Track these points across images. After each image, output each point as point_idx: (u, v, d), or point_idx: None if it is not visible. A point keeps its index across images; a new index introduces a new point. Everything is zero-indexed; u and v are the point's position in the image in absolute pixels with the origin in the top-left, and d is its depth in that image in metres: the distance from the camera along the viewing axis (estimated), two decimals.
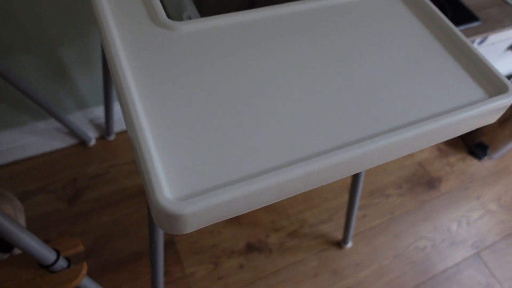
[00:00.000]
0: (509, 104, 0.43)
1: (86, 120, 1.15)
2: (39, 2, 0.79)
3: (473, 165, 1.35)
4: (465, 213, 1.23)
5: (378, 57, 0.45)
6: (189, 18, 0.50)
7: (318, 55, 0.44)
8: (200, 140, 0.35)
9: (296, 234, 1.12)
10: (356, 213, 1.02)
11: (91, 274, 0.97)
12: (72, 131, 1.13)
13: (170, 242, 1.06)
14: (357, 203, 0.99)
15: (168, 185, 0.32)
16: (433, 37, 0.48)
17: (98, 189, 1.12)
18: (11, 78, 0.83)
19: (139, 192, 1.13)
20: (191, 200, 0.31)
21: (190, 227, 0.33)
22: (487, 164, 1.36)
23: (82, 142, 1.19)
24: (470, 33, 0.90)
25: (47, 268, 0.58)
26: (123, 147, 1.21)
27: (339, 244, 1.12)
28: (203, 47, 0.42)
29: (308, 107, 0.39)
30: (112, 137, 1.21)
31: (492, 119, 0.44)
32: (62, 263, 0.59)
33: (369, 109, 0.40)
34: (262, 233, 1.11)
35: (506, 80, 0.43)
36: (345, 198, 1.20)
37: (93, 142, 1.19)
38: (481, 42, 0.94)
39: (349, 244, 1.11)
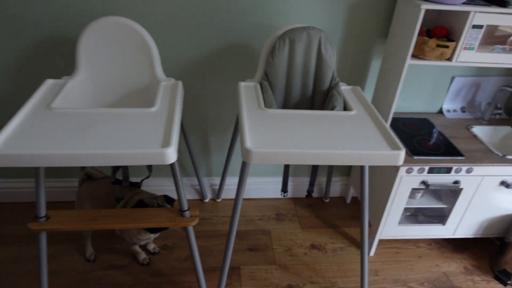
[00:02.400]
0: (400, 156, 0.97)
1: (208, 184, 1.86)
2: (223, 108, 1.62)
3: None
4: None
5: (348, 130, 1.05)
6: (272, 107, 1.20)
7: (324, 128, 1.07)
8: (264, 141, 0.99)
9: None
10: (367, 276, 1.38)
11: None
12: (199, 189, 1.84)
13: (236, 268, 1.55)
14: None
15: (249, 142, 0.96)
16: (373, 125, 1.07)
17: (202, 226, 1.73)
18: (189, 146, 1.61)
19: (224, 234, 1.69)
20: (255, 148, 0.94)
21: (254, 160, 0.94)
22: None
23: (201, 198, 1.88)
24: (456, 162, 1.38)
25: (181, 213, 1.19)
26: (223, 207, 1.85)
27: None
28: (278, 117, 1.10)
29: (317, 139, 1.01)
30: (219, 200, 1.88)
31: (395, 162, 0.98)
32: (188, 214, 1.20)
33: (337, 142, 0.99)
34: (301, 281, 1.51)
35: (401, 144, 0.98)
36: (370, 279, 1.54)
37: (207, 199, 1.88)
38: (469, 171, 1.40)
39: None
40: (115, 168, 1.24)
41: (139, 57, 1.29)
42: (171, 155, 0.93)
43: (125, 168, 1.25)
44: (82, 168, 1.58)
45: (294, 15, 1.41)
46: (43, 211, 1.13)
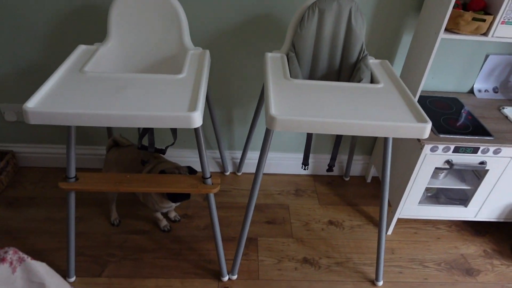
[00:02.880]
0: (427, 128, 0.95)
1: (229, 157, 1.89)
2: (249, 80, 1.62)
3: None
4: None
5: (374, 102, 1.04)
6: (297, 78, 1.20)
7: (350, 99, 1.06)
8: (288, 109, 0.99)
9: (342, 264, 1.50)
10: (383, 253, 1.39)
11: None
12: (220, 162, 1.87)
13: (254, 239, 1.58)
14: (383, 244, 1.37)
15: (274, 110, 0.96)
16: (400, 98, 1.06)
17: (222, 198, 1.77)
18: (213, 118, 1.63)
19: (244, 206, 1.72)
20: (279, 116, 0.94)
21: (278, 127, 0.95)
22: None
23: (222, 171, 1.91)
24: (483, 142, 1.34)
25: (204, 180, 1.22)
26: (244, 181, 1.87)
27: (373, 282, 1.44)
28: (303, 87, 1.10)
29: (342, 109, 1.00)
30: (240, 173, 1.91)
31: (421, 135, 0.96)
32: (210, 181, 1.23)
33: (363, 113, 0.98)
34: (317, 255, 1.53)
35: (427, 117, 0.96)
36: (386, 257, 1.54)
37: (228, 173, 1.90)
38: (496, 152, 1.36)
39: (381, 283, 1.43)
40: (142, 133, 1.27)
41: (169, 26, 1.29)
42: (197, 119, 0.94)
43: (151, 134, 1.28)
44: (110, 135, 1.62)
45: None
46: (73, 172, 1.18)
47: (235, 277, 1.41)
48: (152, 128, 1.31)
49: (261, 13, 1.43)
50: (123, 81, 1.08)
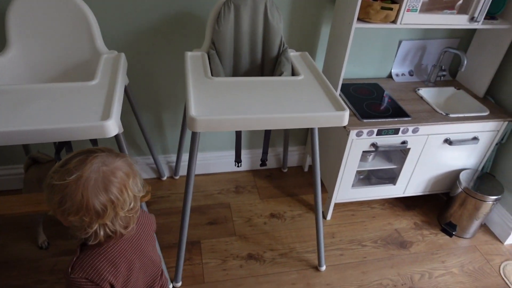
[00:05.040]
0: (345, 116, 0.98)
1: (165, 161, 1.82)
2: (174, 81, 1.56)
3: (444, 239, 1.66)
4: (429, 270, 1.52)
5: (295, 94, 1.05)
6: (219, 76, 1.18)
7: (271, 94, 1.06)
8: (210, 109, 0.97)
9: (285, 255, 1.53)
10: (323, 239, 1.43)
11: None
12: (155, 168, 1.80)
13: (196, 242, 1.55)
14: (322, 234, 1.41)
15: (194, 111, 0.93)
16: (320, 89, 1.08)
17: (160, 204, 1.70)
18: (141, 124, 1.55)
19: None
20: (199, 116, 0.91)
21: (199, 128, 0.92)
22: (457, 240, 1.66)
23: (159, 177, 1.84)
24: (402, 123, 1.43)
25: None
26: (182, 184, 1.82)
27: (317, 268, 1.48)
28: (224, 85, 1.08)
29: (264, 104, 0.99)
30: (177, 177, 1.85)
31: (340, 122, 0.99)
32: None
33: (284, 107, 0.99)
34: (261, 249, 1.54)
35: (344, 105, 1.00)
36: (327, 241, 1.59)
37: (165, 178, 1.84)
38: (415, 131, 1.46)
39: (323, 268, 1.47)
40: (58, 147, 1.18)
41: (77, 29, 1.20)
42: (111, 127, 0.89)
43: (69, 147, 1.19)
44: (27, 151, 1.49)
45: None
46: None
47: (179, 284, 1.37)
48: (69, 141, 1.22)
49: (179, 11, 1.39)
50: (28, 93, 0.99)
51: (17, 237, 1.50)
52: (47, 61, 1.21)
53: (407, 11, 1.30)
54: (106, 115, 0.91)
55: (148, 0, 1.34)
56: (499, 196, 1.52)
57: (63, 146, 1.18)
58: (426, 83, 1.73)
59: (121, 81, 1.08)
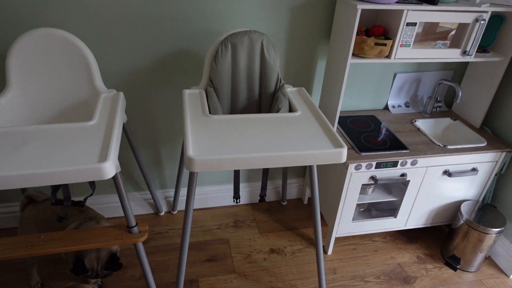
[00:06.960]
0: (343, 153, 0.98)
1: (163, 196, 1.80)
2: (173, 117, 1.57)
3: (448, 273, 1.62)
4: None
5: (293, 131, 1.05)
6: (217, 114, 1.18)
7: (269, 131, 1.06)
8: (208, 148, 0.97)
9: None
10: (324, 276, 1.39)
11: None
12: (153, 203, 1.77)
13: (195, 281, 1.50)
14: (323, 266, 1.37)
15: (192, 151, 0.93)
16: (318, 125, 1.08)
17: (158, 241, 1.67)
18: (139, 159, 1.55)
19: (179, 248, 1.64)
20: (197, 156, 0.91)
21: (197, 168, 0.91)
22: (461, 274, 1.62)
23: (156, 212, 1.81)
24: (401, 155, 1.43)
25: (129, 229, 1.14)
26: (180, 219, 1.79)
27: None
28: (222, 123, 1.08)
29: (262, 142, 0.99)
30: (175, 212, 1.82)
31: (339, 159, 0.99)
32: (136, 230, 1.15)
33: (282, 144, 0.98)
34: (261, 287, 1.49)
35: (342, 142, 0.99)
36: (329, 277, 1.55)
37: (163, 213, 1.81)
38: (414, 163, 1.45)
39: None
40: (54, 188, 1.16)
41: (77, 70, 1.22)
42: (108, 169, 0.88)
43: (65, 187, 1.17)
44: (23, 191, 1.47)
45: (238, 21, 1.40)
46: None
47: None
48: None
49: (177, 49, 1.41)
50: (25, 134, 0.98)
51: (10, 280, 1.46)
52: (47, 101, 1.22)
53: (400, 46, 1.33)
54: (103, 157, 0.90)
55: (147, 38, 1.36)
56: (502, 228, 1.50)
57: (58, 187, 1.17)
58: (422, 114, 1.75)
59: (119, 121, 1.08)
